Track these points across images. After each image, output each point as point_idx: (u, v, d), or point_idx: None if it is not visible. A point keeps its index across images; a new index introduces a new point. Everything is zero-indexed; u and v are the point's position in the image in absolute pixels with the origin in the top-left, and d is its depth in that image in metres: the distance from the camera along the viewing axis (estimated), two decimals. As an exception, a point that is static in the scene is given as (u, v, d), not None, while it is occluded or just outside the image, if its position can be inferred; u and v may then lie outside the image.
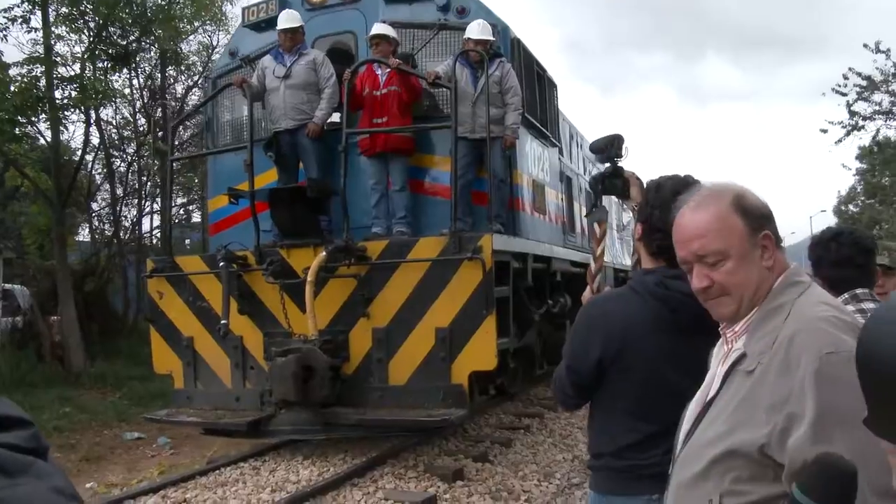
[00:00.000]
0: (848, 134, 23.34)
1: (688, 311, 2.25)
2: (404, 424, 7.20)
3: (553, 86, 10.40)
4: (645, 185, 2.93)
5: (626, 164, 3.48)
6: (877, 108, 23.00)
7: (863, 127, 23.33)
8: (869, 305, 3.33)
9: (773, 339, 1.71)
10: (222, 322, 7.45)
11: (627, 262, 14.60)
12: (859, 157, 32.07)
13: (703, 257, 1.81)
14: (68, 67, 17.11)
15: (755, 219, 1.80)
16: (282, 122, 8.27)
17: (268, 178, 8.62)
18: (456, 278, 7.24)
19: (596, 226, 3.80)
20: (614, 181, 3.37)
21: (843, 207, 45.10)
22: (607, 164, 3.46)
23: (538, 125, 9.36)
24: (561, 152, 11.61)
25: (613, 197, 3.81)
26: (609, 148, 3.45)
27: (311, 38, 8.86)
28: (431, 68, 7.96)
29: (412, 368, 7.38)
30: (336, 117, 8.13)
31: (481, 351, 7.15)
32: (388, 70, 7.89)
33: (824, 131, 23.83)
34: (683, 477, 1.85)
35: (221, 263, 7.77)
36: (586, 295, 3.17)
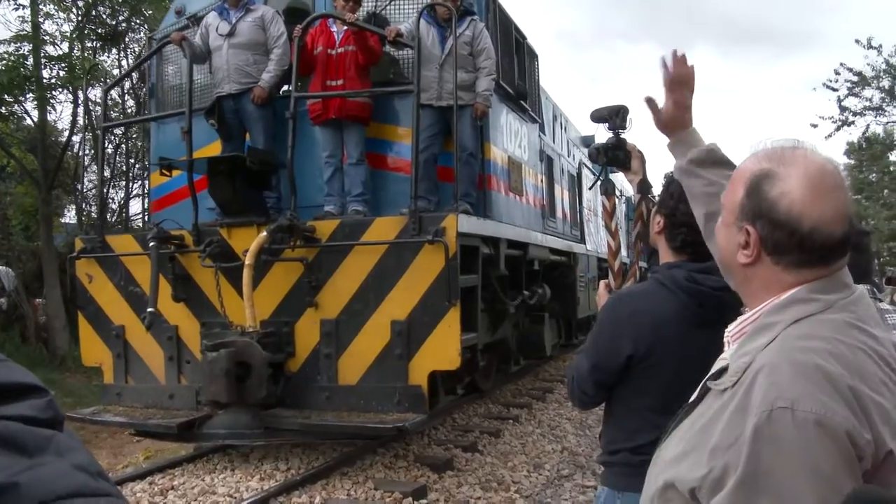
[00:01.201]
0: (838, 129, 23.78)
1: (716, 306, 2.32)
2: (352, 431, 6.29)
3: (534, 56, 9.46)
4: (664, 177, 2.80)
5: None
6: (867, 103, 23.34)
7: (853, 122, 23.77)
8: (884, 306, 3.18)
9: (750, 362, 1.48)
10: (148, 310, 6.51)
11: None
12: (847, 153, 32.77)
13: None
14: (56, 46, 16.90)
15: (753, 208, 1.53)
16: (224, 86, 7.33)
17: (213, 150, 7.66)
18: (415, 264, 6.34)
19: (604, 199, 3.65)
20: (616, 153, 3.28)
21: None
22: (609, 136, 3.34)
23: (516, 97, 8.41)
24: (542, 129, 10.70)
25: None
26: (614, 118, 3.32)
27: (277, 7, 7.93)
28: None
29: (364, 366, 6.47)
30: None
31: (443, 348, 6.25)
32: (346, 28, 6.94)
33: (815, 126, 24.08)
34: (645, 494, 1.70)
35: (151, 244, 6.82)
36: (602, 291, 3.06)
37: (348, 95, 6.87)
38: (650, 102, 2.27)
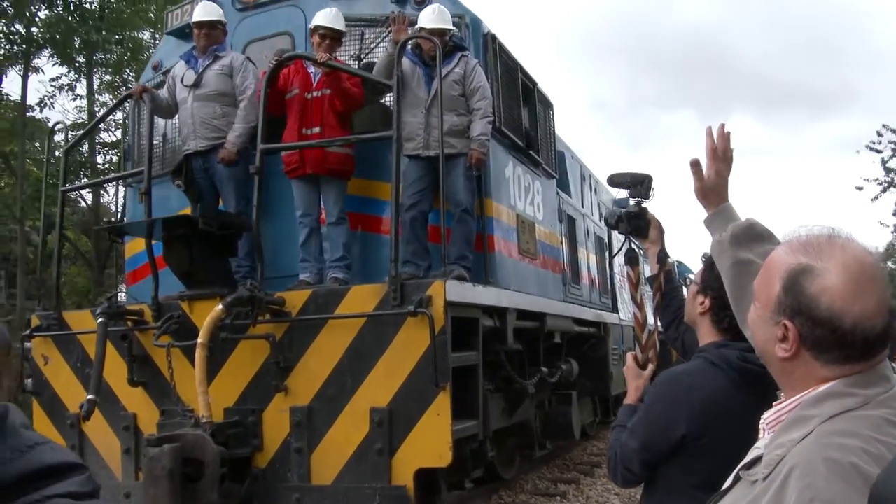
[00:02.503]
0: (884, 191, 23.92)
1: (766, 386, 2.12)
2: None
3: (547, 104, 8.53)
4: (703, 256, 2.92)
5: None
6: None
7: None
8: None
9: (783, 455, 1.44)
10: (87, 398, 5.57)
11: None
12: None
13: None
14: (110, 133, 17.76)
15: (792, 304, 1.49)
16: (191, 142, 6.52)
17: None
18: (397, 341, 5.34)
19: (629, 269, 3.54)
20: (639, 222, 3.26)
21: (882, 265, 44.03)
22: (631, 203, 3.33)
23: (525, 147, 7.46)
24: (563, 186, 9.73)
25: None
26: (638, 186, 3.32)
27: (242, 42, 7.17)
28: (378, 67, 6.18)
29: (340, 463, 5.43)
30: None
31: (430, 441, 5.20)
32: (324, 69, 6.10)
33: (860, 189, 24.19)
34: None
35: (99, 320, 5.92)
36: (630, 363, 3.06)
37: (317, 145, 5.97)
38: (696, 165, 2.27)
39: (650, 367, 3.07)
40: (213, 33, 6.51)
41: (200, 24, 6.47)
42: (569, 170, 10.65)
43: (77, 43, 17.39)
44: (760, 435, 1.64)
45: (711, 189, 2.29)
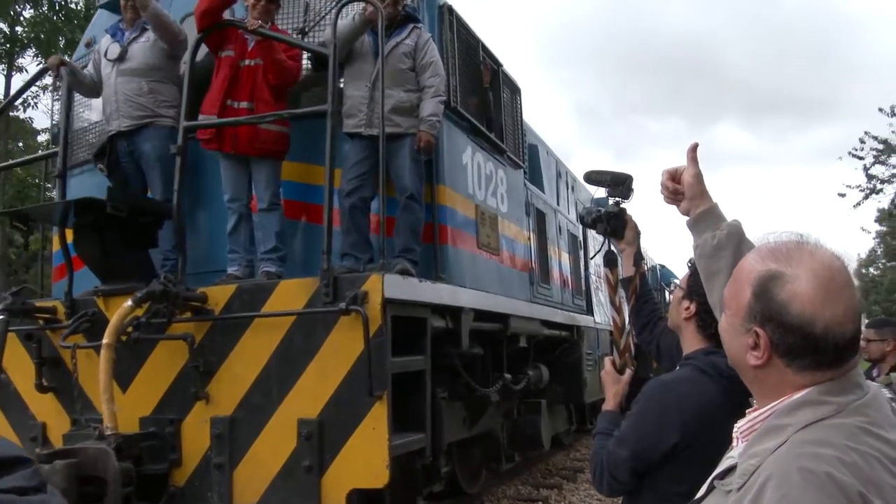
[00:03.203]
0: (866, 197, 24.44)
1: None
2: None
3: (515, 89, 7.89)
4: (689, 262, 2.71)
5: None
6: (894, 170, 24.20)
7: (881, 190, 24.49)
8: None
9: (758, 465, 1.43)
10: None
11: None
12: (878, 220, 32.67)
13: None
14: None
15: (762, 311, 1.51)
16: (113, 122, 5.85)
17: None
18: (329, 343, 4.70)
19: (608, 272, 3.41)
20: (617, 222, 3.23)
21: (863, 271, 45.79)
22: (610, 202, 3.28)
23: (487, 133, 6.82)
24: (534, 180, 9.11)
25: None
26: (619, 186, 3.25)
27: (179, 16, 6.51)
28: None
29: (265, 482, 4.77)
30: None
31: (365, 458, 4.56)
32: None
33: (842, 195, 24.67)
34: None
35: (0, 317, 5.26)
36: (608, 368, 3.02)
37: (245, 122, 5.31)
38: (693, 151, 2.25)
39: (628, 371, 3.00)
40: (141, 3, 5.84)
41: None
42: (542, 164, 10.04)
43: (62, 42, 17.04)
44: (734, 443, 1.63)
45: (693, 196, 2.24)
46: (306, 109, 5.35)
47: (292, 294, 4.84)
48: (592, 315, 10.69)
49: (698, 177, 2.24)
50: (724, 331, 1.67)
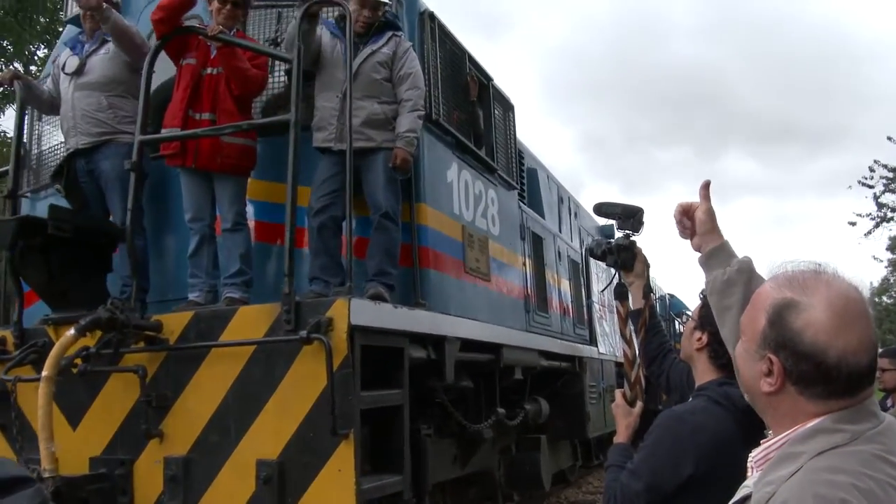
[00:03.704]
0: (877, 226, 24.22)
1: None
2: None
3: (507, 106, 7.47)
4: (701, 294, 2.71)
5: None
6: None
7: (892, 218, 24.26)
8: None
9: (773, 492, 1.42)
10: None
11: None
12: (890, 248, 32.25)
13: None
14: None
15: (776, 338, 1.52)
16: (71, 139, 5.46)
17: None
18: (290, 376, 4.25)
19: (618, 304, 3.40)
20: (626, 255, 3.22)
21: (876, 300, 45.55)
22: (619, 235, 3.30)
23: (475, 149, 6.38)
24: (533, 205, 8.69)
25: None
26: (630, 219, 3.26)
27: (146, 31, 6.14)
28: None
29: (222, 531, 4.31)
30: None
31: (330, 503, 4.08)
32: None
33: (853, 224, 24.41)
34: None
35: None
36: (619, 401, 3.01)
37: (203, 134, 4.89)
38: (706, 188, 2.28)
39: (639, 404, 2.95)
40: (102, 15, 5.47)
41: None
42: (542, 189, 9.62)
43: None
44: (749, 473, 1.63)
45: (706, 232, 2.27)
46: (267, 120, 4.96)
47: (252, 322, 4.40)
48: (596, 345, 10.18)
49: (710, 213, 2.27)
50: (738, 357, 1.67)
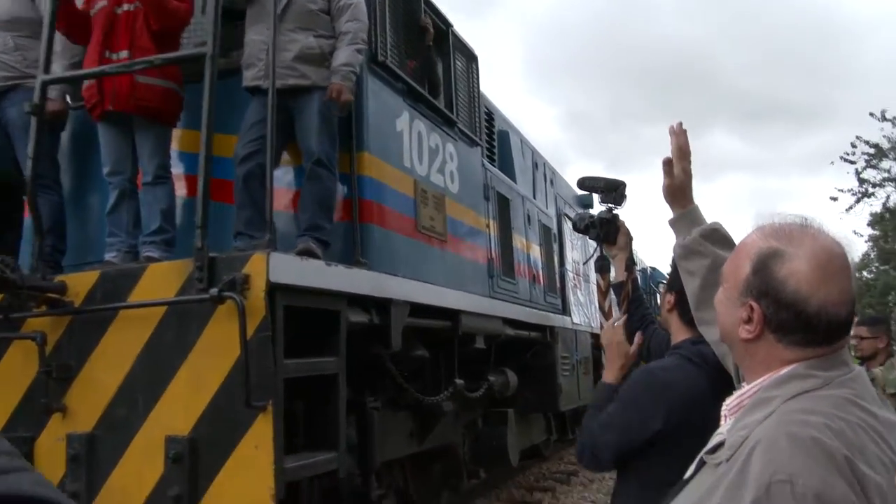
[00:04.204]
0: (858, 201, 25.18)
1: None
2: None
3: (470, 56, 6.93)
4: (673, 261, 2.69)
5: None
6: (885, 174, 24.55)
7: (873, 194, 25.10)
8: None
9: (746, 436, 1.45)
10: None
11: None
12: (871, 224, 32.66)
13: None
14: None
15: (759, 286, 1.54)
16: (-26, 83, 4.91)
17: None
18: (203, 341, 3.75)
19: (599, 277, 3.48)
20: (609, 228, 3.25)
21: (856, 274, 43.52)
22: (602, 209, 3.32)
23: (430, 98, 5.84)
24: (504, 168, 8.19)
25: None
26: (612, 192, 3.31)
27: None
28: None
29: (129, 514, 3.81)
30: None
31: (246, 485, 3.59)
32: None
33: (834, 199, 25.65)
34: None
35: None
36: (620, 337, 2.94)
37: (113, 72, 4.33)
38: (668, 164, 2.31)
39: (635, 344, 2.93)
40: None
41: None
42: (514, 152, 9.11)
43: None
44: (722, 422, 1.64)
45: (679, 187, 2.32)
46: (180, 53, 4.42)
47: (163, 280, 3.89)
48: (569, 315, 9.70)
49: (688, 173, 2.31)
50: (718, 303, 1.68)
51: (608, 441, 2.57)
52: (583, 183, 3.45)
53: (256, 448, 3.57)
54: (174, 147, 4.78)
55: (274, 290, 3.65)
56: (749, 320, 1.54)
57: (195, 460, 3.66)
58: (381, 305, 4.73)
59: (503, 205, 7.54)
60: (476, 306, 6.20)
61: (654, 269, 22.79)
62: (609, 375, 2.87)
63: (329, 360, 4.15)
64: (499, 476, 9.59)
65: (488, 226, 6.95)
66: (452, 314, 5.83)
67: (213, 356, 3.68)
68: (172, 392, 3.77)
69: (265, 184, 4.32)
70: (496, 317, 6.74)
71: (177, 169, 4.80)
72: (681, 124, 2.36)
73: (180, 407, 3.73)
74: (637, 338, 3.01)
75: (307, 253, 4.08)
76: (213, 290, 3.53)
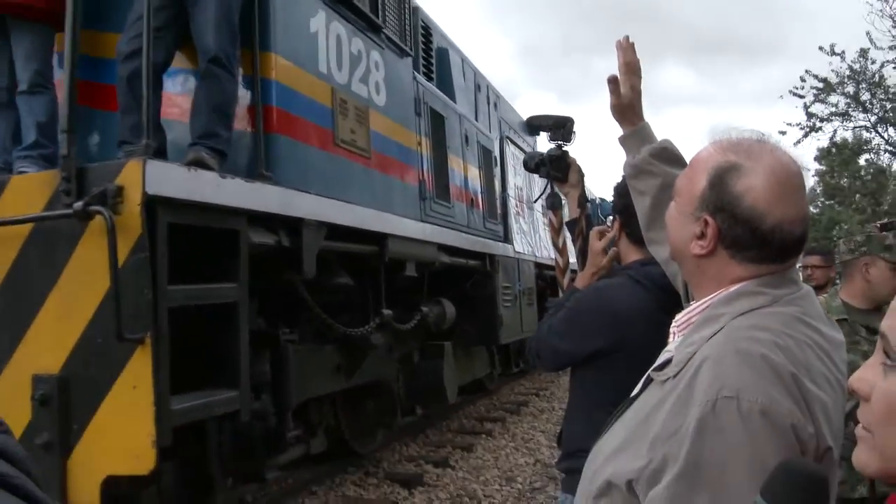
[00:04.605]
0: (806, 135, 24.71)
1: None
2: None
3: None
4: (615, 189, 2.75)
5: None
6: (833, 109, 24.15)
7: (820, 128, 24.73)
8: None
9: (694, 352, 1.45)
10: None
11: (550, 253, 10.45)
12: (818, 159, 32.70)
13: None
14: None
15: (715, 200, 1.50)
16: None
17: None
18: (73, 264, 3.23)
19: (551, 214, 3.52)
20: (560, 165, 3.21)
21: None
22: (551, 146, 3.28)
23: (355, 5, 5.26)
24: (443, 87, 7.67)
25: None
26: (560, 129, 3.32)
27: None
28: None
29: (-5, 465, 3.31)
30: None
31: (124, 430, 3.12)
32: None
33: (783, 133, 24.30)
34: (581, 491, 1.63)
35: None
36: (601, 244, 2.81)
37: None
38: (613, 82, 2.24)
39: (612, 252, 2.78)
40: None
41: None
42: (454, 71, 8.58)
43: None
44: (670, 339, 1.64)
45: (628, 105, 2.25)
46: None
47: (27, 195, 3.34)
48: (511, 243, 9.29)
49: (636, 90, 2.24)
50: (670, 218, 1.65)
51: (552, 347, 2.63)
52: (531, 123, 3.51)
53: (134, 388, 3.09)
54: (58, 50, 4.17)
55: (154, 203, 3.13)
56: (703, 235, 1.51)
57: (66, 402, 3.18)
58: (291, 226, 4.24)
59: (437, 122, 7.01)
60: (405, 230, 5.72)
61: (603, 199, 22.55)
62: (580, 281, 2.83)
63: (228, 286, 3.66)
64: (445, 412, 9.32)
65: (420, 143, 6.44)
66: (379, 238, 5.36)
67: (85, 282, 3.17)
68: (40, 324, 3.26)
69: (155, 86, 3.76)
70: (429, 242, 6.28)
71: (61, 76, 4.20)
72: (628, 38, 2.25)
73: (48, 342, 3.23)
74: (611, 252, 2.87)
75: (198, 163, 3.54)
76: (78, 204, 3.00)
